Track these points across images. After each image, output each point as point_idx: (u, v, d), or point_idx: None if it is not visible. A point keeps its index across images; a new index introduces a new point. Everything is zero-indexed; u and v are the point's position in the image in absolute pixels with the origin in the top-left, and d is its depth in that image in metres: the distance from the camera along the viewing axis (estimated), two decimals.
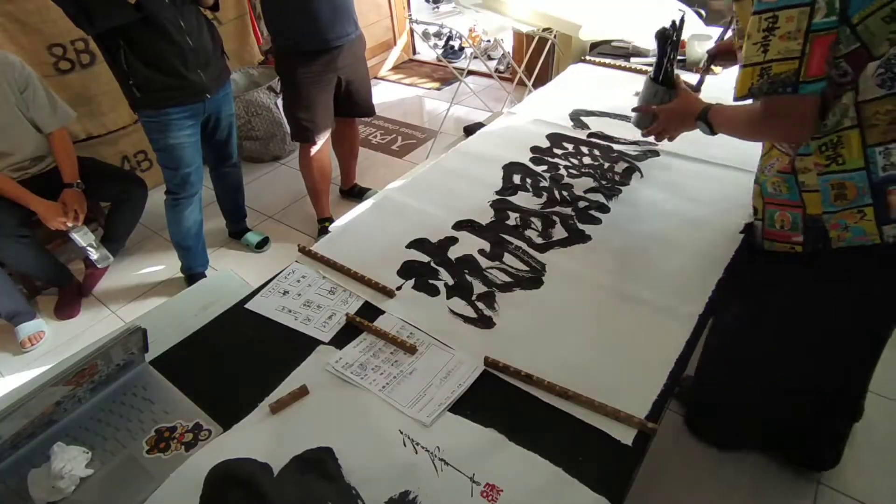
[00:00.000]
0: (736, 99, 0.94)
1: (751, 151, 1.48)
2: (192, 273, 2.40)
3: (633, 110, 1.34)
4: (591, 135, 1.66)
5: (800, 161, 1.01)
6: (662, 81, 1.27)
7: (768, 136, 1.06)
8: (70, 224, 2.01)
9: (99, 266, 2.19)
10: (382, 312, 1.10)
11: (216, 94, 2.07)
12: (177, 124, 2.00)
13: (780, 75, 0.85)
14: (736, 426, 1.53)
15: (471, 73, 3.93)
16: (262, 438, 0.87)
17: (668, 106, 1.23)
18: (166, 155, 2.07)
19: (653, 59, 2.09)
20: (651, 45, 2.14)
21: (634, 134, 1.64)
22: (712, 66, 1.56)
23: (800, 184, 1.03)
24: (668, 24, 1.24)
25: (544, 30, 2.90)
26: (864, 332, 1.20)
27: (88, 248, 2.07)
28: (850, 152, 0.95)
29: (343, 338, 1.05)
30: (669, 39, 1.23)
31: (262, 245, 2.62)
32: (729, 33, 1.37)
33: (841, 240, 1.02)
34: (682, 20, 1.23)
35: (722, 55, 1.41)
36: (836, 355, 1.24)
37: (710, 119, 1.11)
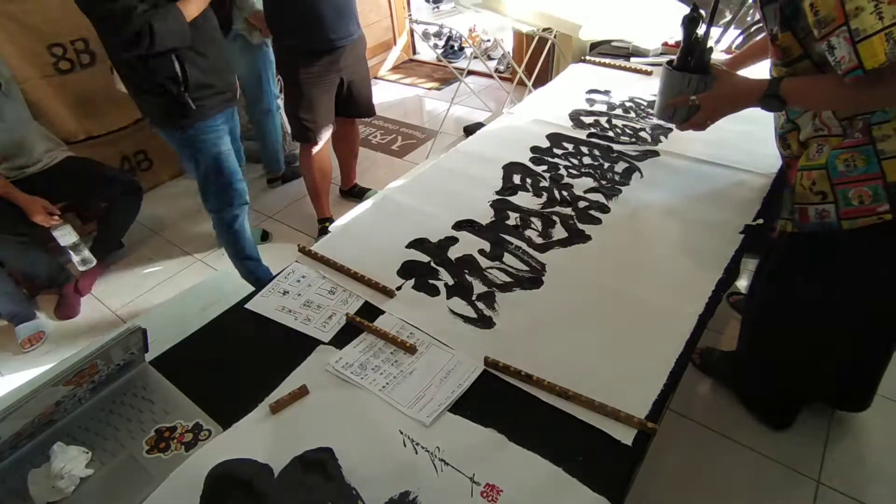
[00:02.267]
0: (870, 71, 0.89)
1: (751, 151, 1.49)
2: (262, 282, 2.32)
3: (668, 105, 1.24)
4: (590, 135, 1.66)
5: (877, 129, 1.01)
6: (695, 68, 1.18)
7: (886, 101, 0.99)
8: (54, 221, 2.01)
9: (80, 269, 2.18)
10: (382, 312, 1.10)
11: None
12: (223, 129, 1.84)
13: None
14: (793, 393, 1.54)
15: (471, 73, 3.94)
16: (262, 438, 0.87)
17: (713, 92, 1.16)
18: (218, 168, 1.85)
19: (653, 59, 2.10)
20: (651, 45, 2.14)
21: (634, 134, 1.64)
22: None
23: (879, 152, 1.02)
24: (691, 9, 1.16)
25: (544, 30, 2.90)
26: None
27: (70, 248, 2.07)
28: None
29: (343, 338, 1.05)
30: (699, 23, 1.15)
31: (263, 239, 2.62)
32: (728, 39, 1.34)
33: None
34: (716, 3, 1.15)
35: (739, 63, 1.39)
36: None
37: (784, 94, 1.04)
